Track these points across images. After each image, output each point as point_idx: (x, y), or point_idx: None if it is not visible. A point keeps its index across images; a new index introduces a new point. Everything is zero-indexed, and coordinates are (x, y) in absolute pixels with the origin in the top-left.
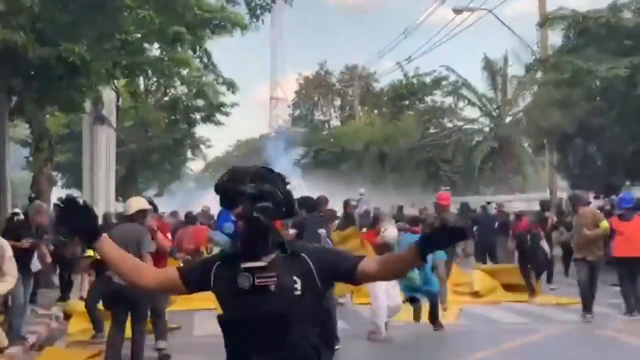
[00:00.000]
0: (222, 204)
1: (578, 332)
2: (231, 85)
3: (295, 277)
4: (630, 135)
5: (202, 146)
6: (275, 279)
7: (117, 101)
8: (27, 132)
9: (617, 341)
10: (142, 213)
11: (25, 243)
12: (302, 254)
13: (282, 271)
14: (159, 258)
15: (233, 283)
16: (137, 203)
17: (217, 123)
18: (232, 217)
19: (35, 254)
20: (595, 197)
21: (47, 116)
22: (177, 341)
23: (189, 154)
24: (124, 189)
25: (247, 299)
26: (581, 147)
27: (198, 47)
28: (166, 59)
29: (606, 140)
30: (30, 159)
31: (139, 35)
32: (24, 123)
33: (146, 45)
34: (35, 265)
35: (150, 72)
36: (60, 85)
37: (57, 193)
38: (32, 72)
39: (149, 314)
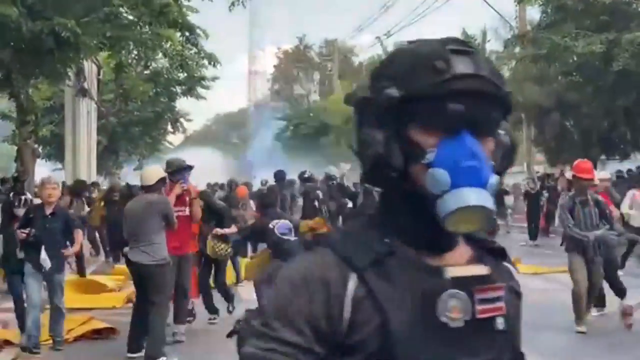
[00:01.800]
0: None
1: (553, 301)
2: (212, 59)
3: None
4: (605, 110)
5: (182, 119)
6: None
7: (99, 74)
8: (8, 105)
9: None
10: (162, 182)
11: (20, 235)
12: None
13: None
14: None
15: (420, 311)
16: (156, 172)
17: (198, 97)
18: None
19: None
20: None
21: (31, 89)
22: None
23: (169, 127)
24: (104, 162)
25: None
26: (558, 122)
27: (180, 20)
28: (149, 32)
29: (582, 115)
30: (16, 131)
31: (125, 9)
32: (5, 96)
33: (131, 18)
34: (45, 261)
35: (132, 45)
36: (51, 58)
37: (40, 165)
38: (23, 45)
39: (171, 293)
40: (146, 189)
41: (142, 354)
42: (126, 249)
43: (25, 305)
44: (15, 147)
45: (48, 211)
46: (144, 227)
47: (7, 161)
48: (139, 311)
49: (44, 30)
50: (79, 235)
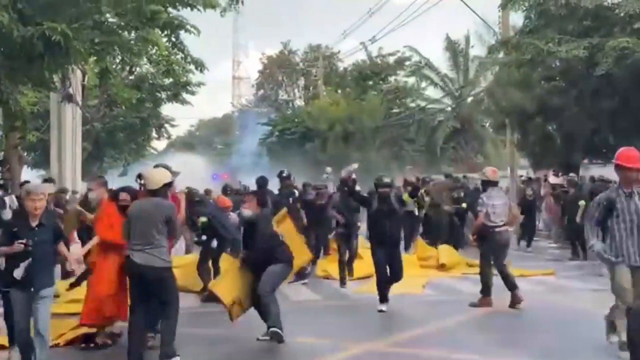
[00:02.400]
0: None
1: (540, 302)
2: (199, 64)
3: None
4: (588, 114)
5: (167, 125)
6: None
7: (83, 80)
8: None
9: (577, 310)
10: (167, 186)
11: (17, 246)
12: None
13: None
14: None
15: None
16: (162, 175)
17: (184, 102)
18: None
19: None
20: (555, 174)
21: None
22: None
23: (153, 133)
24: (89, 168)
25: None
26: (541, 126)
27: (169, 29)
28: (134, 38)
29: (565, 120)
30: (2, 138)
31: (112, 15)
32: None
33: (119, 23)
34: (20, 270)
35: (118, 51)
36: (40, 63)
37: (26, 172)
38: (13, 51)
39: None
40: (151, 193)
41: None
42: (129, 252)
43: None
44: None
45: (34, 223)
46: (155, 228)
47: None
48: (137, 324)
49: (35, 35)
50: (62, 247)
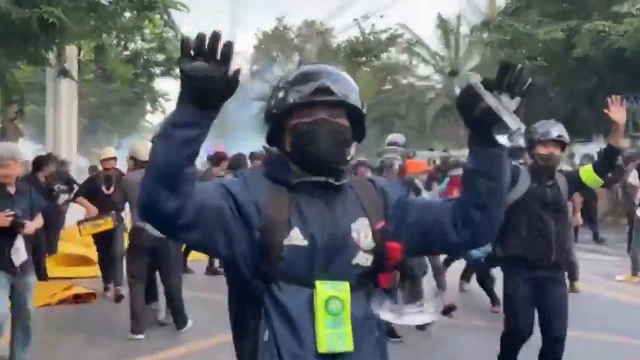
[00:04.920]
0: None
1: None
2: None
3: None
4: (567, 94)
5: (161, 99)
6: None
7: (79, 55)
8: None
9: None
10: None
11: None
12: None
13: None
14: None
15: None
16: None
17: (177, 77)
18: None
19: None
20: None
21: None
22: None
23: (148, 107)
24: (85, 141)
25: None
26: (524, 105)
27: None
28: (128, 18)
29: (547, 99)
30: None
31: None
32: None
33: (115, 7)
34: (20, 253)
35: (113, 32)
36: (37, 42)
37: (23, 144)
38: (9, 31)
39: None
40: (141, 164)
41: (143, 336)
42: (138, 222)
43: None
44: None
45: (12, 190)
46: None
47: None
48: (138, 290)
49: (32, 17)
50: (39, 219)
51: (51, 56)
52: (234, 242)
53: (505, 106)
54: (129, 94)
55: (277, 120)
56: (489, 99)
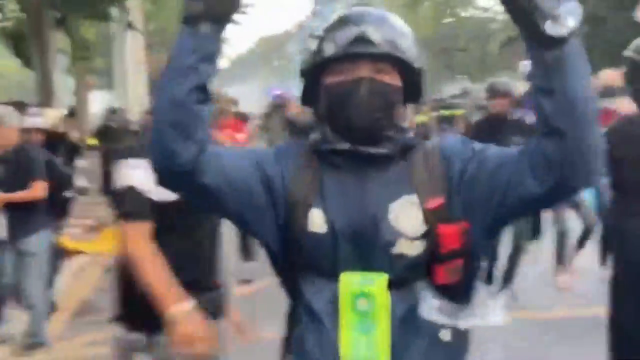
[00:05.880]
0: None
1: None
2: None
3: None
4: (629, 22)
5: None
6: None
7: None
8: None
9: None
10: None
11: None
12: None
13: None
14: None
15: None
16: None
17: (235, 23)
18: None
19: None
20: None
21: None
22: None
23: None
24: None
25: None
26: (585, 34)
27: None
28: None
29: (607, 29)
30: (72, 66)
31: None
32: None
33: None
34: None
35: None
36: (102, 2)
37: (95, 95)
38: None
39: None
40: None
41: None
42: None
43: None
44: (73, 80)
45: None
46: None
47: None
48: None
49: None
50: (37, 187)
51: (115, 12)
52: (265, 221)
53: None
54: None
55: (311, 77)
56: None
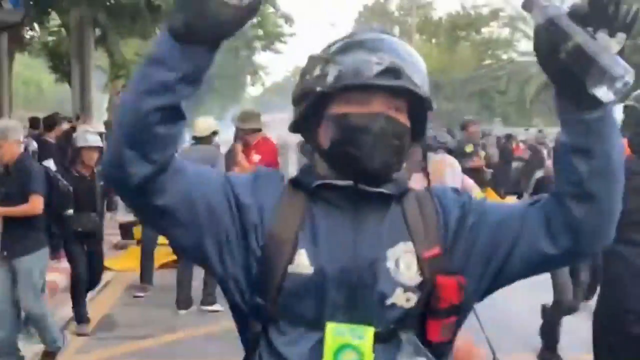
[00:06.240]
0: None
1: None
2: (288, 19)
3: None
4: None
5: (260, 72)
6: None
7: None
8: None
9: None
10: (214, 134)
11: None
12: None
13: None
14: None
15: None
16: (207, 124)
17: (276, 51)
18: None
19: None
20: None
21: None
22: None
23: (248, 79)
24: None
25: None
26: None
27: None
28: None
29: None
30: (109, 83)
31: None
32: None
33: None
34: None
35: None
36: (144, 21)
37: None
38: (120, 13)
39: None
40: (199, 140)
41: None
42: None
43: None
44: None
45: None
46: None
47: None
48: (187, 267)
49: (141, 2)
50: (34, 201)
51: (156, 30)
52: (228, 256)
53: (603, 45)
54: (230, 67)
55: (312, 103)
56: (579, 35)
